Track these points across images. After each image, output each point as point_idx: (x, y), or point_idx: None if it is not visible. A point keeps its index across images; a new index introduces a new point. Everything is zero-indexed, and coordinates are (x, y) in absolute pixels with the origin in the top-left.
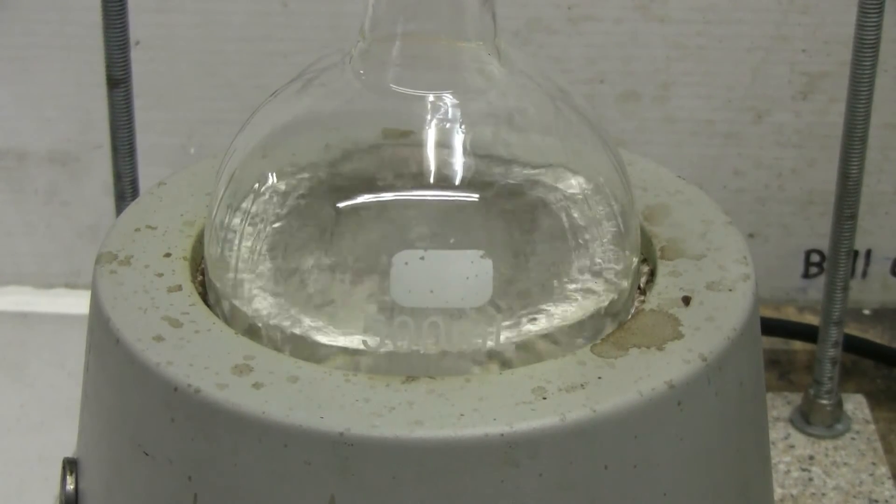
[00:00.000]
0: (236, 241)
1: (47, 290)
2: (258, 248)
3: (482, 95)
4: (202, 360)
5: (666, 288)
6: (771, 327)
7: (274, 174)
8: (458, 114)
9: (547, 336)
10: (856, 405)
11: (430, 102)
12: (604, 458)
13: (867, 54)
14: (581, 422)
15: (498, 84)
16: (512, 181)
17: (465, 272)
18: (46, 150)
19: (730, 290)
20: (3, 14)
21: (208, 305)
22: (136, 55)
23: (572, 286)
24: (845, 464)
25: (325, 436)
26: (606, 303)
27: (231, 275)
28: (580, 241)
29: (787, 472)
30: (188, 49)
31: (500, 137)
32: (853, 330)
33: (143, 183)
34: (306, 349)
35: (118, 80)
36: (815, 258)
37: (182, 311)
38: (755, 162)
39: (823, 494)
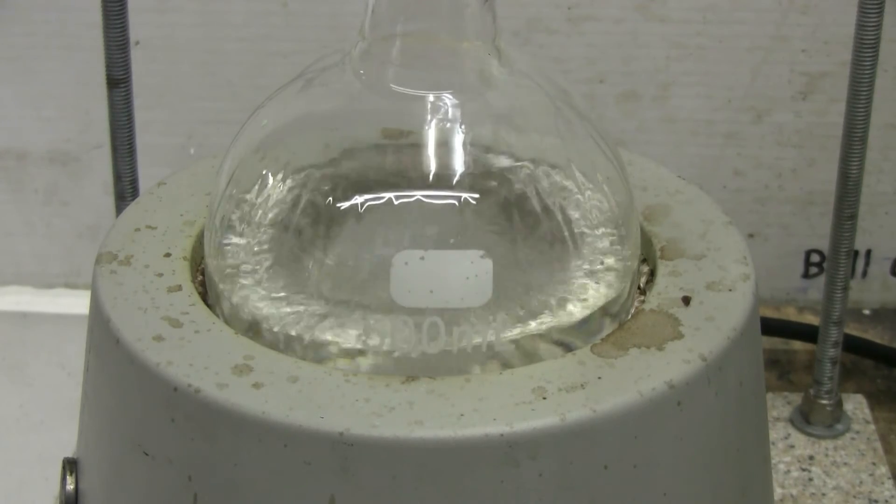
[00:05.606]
0: (236, 241)
1: (47, 290)
2: (258, 248)
3: (482, 95)
4: (202, 360)
5: (666, 288)
6: (771, 327)
7: (274, 174)
8: (458, 114)
9: (547, 336)
10: (856, 405)
11: (430, 102)
12: (604, 458)
13: (867, 54)
14: (581, 422)
15: (498, 84)
16: (512, 181)
17: (465, 272)
18: (46, 150)
19: (730, 290)
20: (3, 14)
21: (208, 305)
22: (136, 55)
23: (572, 286)
24: (845, 464)
25: (326, 436)
26: (606, 303)
27: (231, 274)
28: (580, 240)
29: (787, 472)
30: (188, 49)
31: (500, 137)
32: (853, 330)
33: (143, 183)
34: (306, 349)
35: (118, 80)
36: (815, 258)
37: (182, 311)
38: (755, 162)
39: (823, 494)
